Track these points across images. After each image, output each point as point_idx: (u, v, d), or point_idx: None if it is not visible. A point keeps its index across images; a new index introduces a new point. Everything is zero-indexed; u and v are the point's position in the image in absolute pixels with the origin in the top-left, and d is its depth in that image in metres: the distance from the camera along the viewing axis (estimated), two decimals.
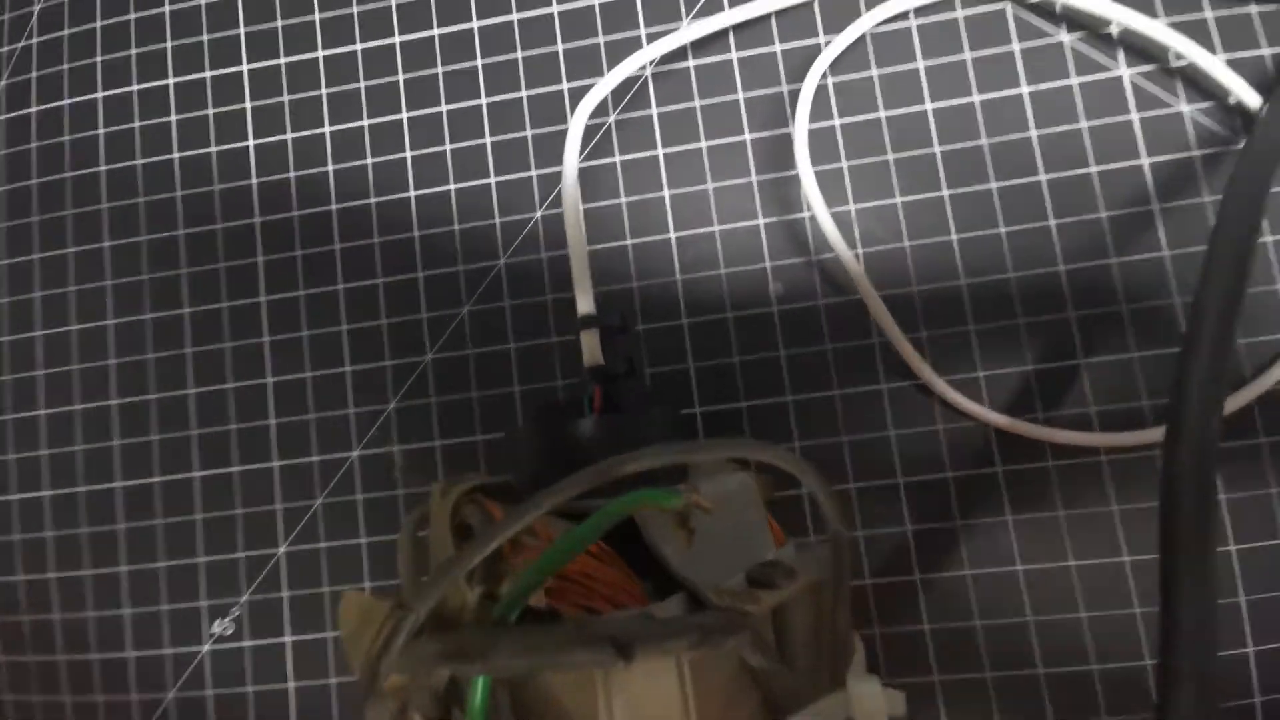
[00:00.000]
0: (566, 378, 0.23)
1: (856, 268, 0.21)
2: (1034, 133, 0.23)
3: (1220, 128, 0.22)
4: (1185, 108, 0.22)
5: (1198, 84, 0.22)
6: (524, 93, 0.25)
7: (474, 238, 0.25)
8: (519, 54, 0.25)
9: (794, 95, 0.24)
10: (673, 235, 0.24)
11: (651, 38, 0.25)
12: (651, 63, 0.24)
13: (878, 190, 0.23)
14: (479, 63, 0.26)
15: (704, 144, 0.24)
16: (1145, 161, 0.22)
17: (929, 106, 0.23)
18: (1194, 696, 0.13)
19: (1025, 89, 0.23)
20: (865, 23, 0.23)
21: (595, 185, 0.24)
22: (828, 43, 0.24)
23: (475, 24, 0.26)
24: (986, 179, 0.23)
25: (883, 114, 0.23)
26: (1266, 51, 0.22)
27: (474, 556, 0.12)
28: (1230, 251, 0.18)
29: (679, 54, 0.25)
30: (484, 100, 0.25)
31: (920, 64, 0.23)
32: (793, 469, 0.14)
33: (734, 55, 0.24)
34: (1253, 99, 0.21)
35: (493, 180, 0.25)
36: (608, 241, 0.24)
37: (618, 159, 0.25)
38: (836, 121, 0.24)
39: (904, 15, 0.24)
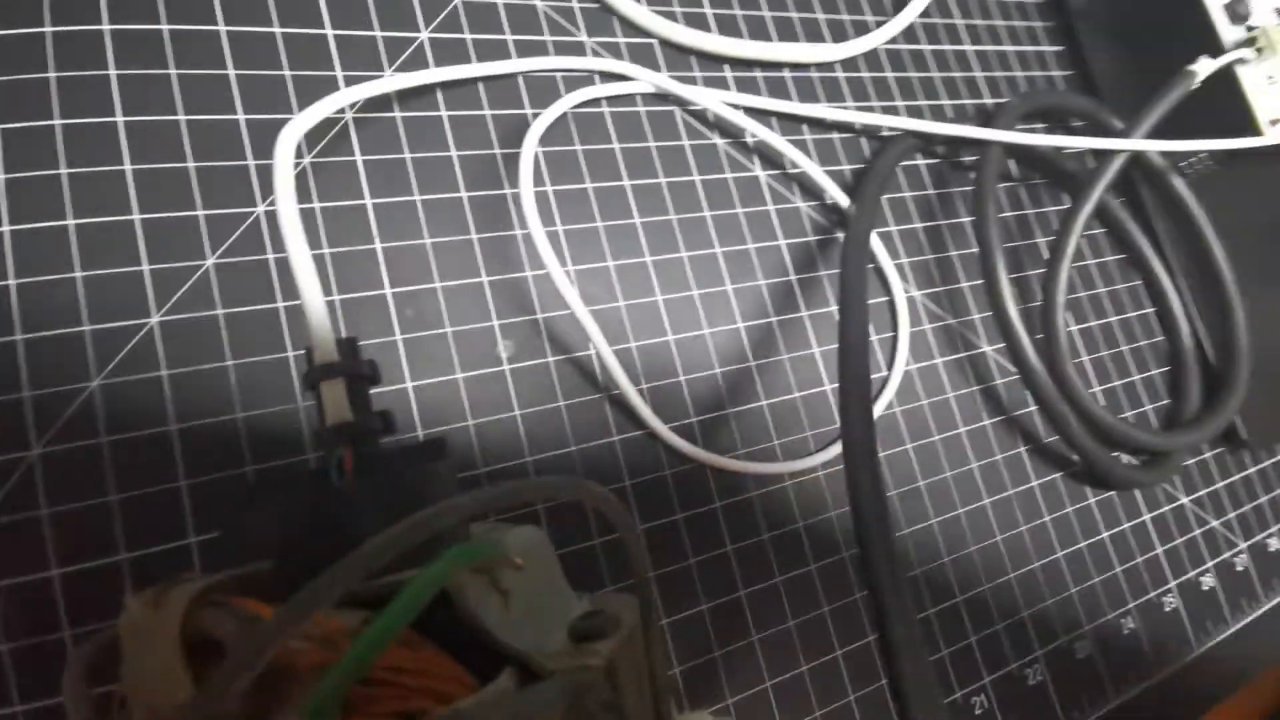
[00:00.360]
0: (280, 457, 0.18)
1: (593, 324, 0.22)
2: (707, 213, 0.27)
3: (823, 219, 0.29)
4: (801, 204, 0.29)
5: (806, 186, 0.29)
6: (182, 116, 0.20)
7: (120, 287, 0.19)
8: (172, 70, 0.21)
9: (506, 159, 0.24)
10: (389, 291, 0.22)
11: (350, 80, 0.23)
12: (353, 106, 0.22)
13: (590, 253, 0.25)
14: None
15: (418, 197, 0.23)
16: (782, 243, 0.28)
17: (626, 183, 0.26)
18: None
19: (696, 177, 0.27)
20: (566, 102, 0.25)
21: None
22: (535, 115, 0.25)
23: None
24: (678, 249, 0.26)
25: (589, 185, 0.25)
26: (846, 167, 0.30)
27: (237, 677, 0.09)
28: (855, 305, 0.23)
29: (383, 103, 0.23)
30: (120, 119, 0.20)
31: (615, 145, 0.26)
32: (605, 508, 0.14)
33: (444, 113, 0.24)
34: (843, 199, 0.29)
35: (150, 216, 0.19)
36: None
37: (316, 204, 0.21)
38: (550, 188, 0.25)
39: (597, 101, 0.26)
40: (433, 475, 0.14)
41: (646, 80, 0.26)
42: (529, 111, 0.25)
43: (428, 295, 0.22)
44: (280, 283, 0.20)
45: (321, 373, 0.14)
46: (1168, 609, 0.31)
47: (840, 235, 0.29)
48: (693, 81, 0.28)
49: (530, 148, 0.23)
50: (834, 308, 0.28)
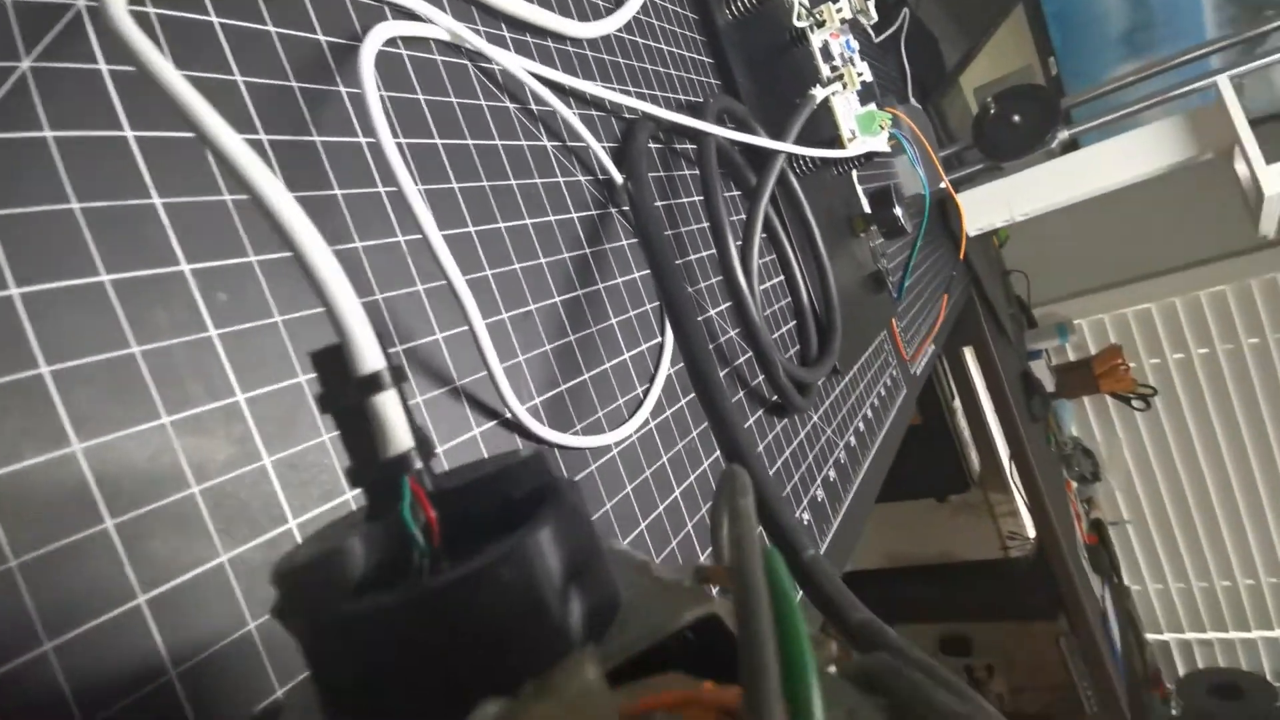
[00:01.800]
0: None
1: (471, 300, 0.19)
2: (512, 182, 0.25)
3: (599, 194, 0.30)
4: (581, 177, 0.29)
5: (583, 160, 0.30)
6: None
7: None
8: None
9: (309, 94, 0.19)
10: (186, 267, 0.15)
11: None
12: None
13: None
14: None
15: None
16: (575, 216, 0.28)
17: (438, 141, 0.23)
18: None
19: (498, 141, 0.25)
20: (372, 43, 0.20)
21: None
22: (329, 42, 0.20)
23: None
24: (495, 219, 0.24)
25: (404, 140, 0.21)
26: (604, 144, 0.31)
27: None
28: (665, 264, 0.26)
29: None
30: None
31: (420, 96, 0.22)
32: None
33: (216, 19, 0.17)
34: (616, 174, 0.30)
35: None
36: None
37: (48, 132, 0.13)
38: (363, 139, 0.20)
39: (393, 41, 0.22)
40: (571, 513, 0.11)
41: (441, 24, 0.23)
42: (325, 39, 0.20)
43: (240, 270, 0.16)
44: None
45: (374, 383, 0.10)
46: (819, 499, 0.42)
47: (614, 210, 0.30)
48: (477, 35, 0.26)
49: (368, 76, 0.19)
50: (619, 279, 0.29)
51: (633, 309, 0.30)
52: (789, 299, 0.46)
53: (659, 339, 0.31)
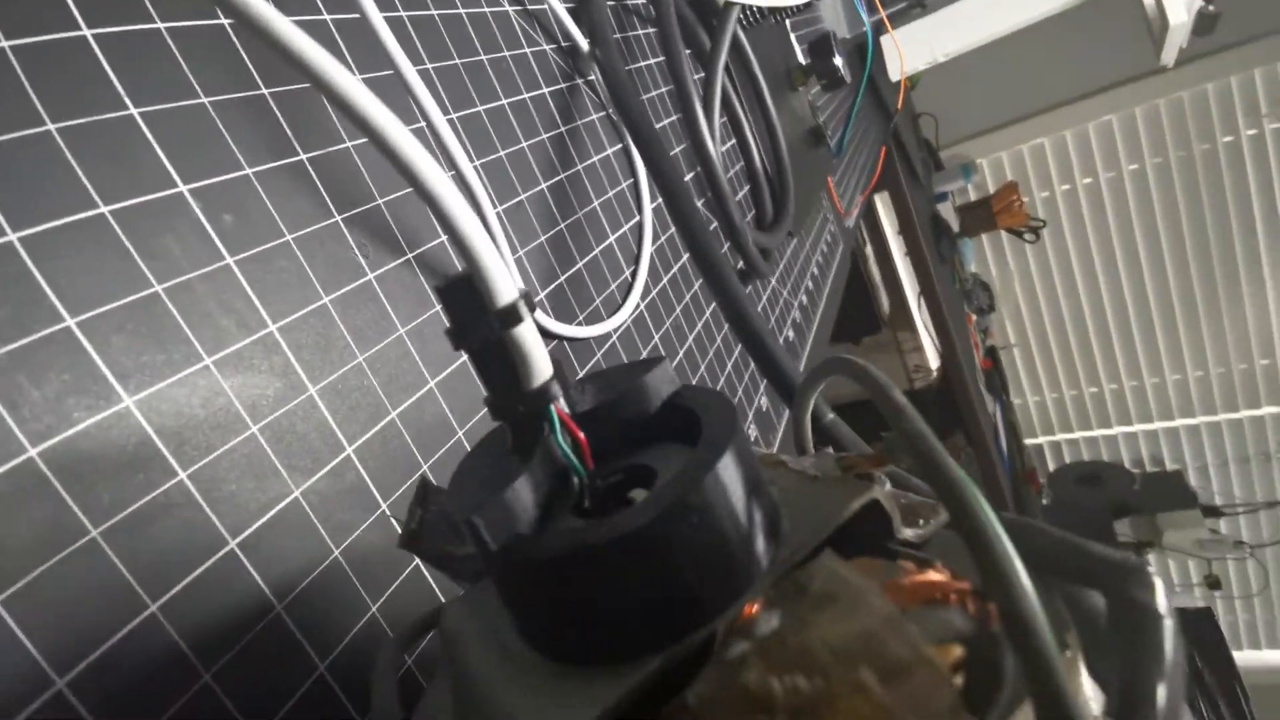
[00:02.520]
0: None
1: (479, 182, 0.18)
2: (482, 57, 0.23)
3: (565, 64, 0.28)
4: (546, 46, 0.27)
5: (545, 26, 0.27)
6: None
7: None
8: None
9: None
10: (184, 187, 0.13)
11: None
12: None
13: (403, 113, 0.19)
14: None
15: (161, 25, 0.14)
16: (546, 91, 0.26)
17: (403, 13, 0.20)
18: None
19: (462, 10, 0.23)
20: None
21: None
22: None
23: None
24: (473, 102, 0.22)
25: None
26: (561, 5, 0.29)
27: None
28: (647, 133, 0.25)
29: None
30: None
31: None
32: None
33: None
34: (581, 41, 0.28)
35: None
36: None
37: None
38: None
39: None
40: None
41: None
42: None
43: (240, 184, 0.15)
44: None
45: (512, 315, 0.09)
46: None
47: (581, 81, 0.28)
48: None
49: None
50: (595, 158, 0.28)
51: (610, 189, 0.29)
52: (741, 163, 0.45)
53: (637, 217, 0.31)
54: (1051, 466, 2.16)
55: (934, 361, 1.60)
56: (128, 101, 0.13)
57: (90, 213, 0.12)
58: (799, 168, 0.52)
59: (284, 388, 0.15)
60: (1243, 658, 1.95)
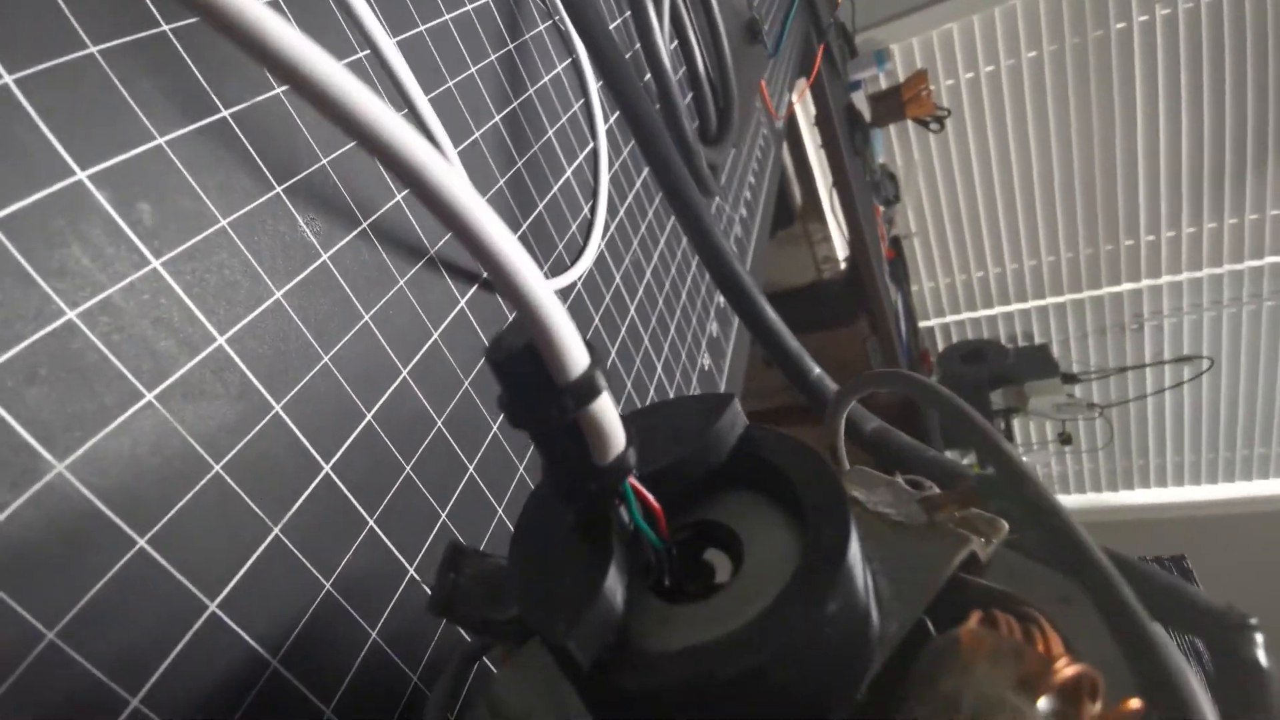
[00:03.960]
0: None
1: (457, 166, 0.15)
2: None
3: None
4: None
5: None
6: None
7: None
8: None
9: None
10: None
11: None
12: None
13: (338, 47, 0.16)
14: None
15: None
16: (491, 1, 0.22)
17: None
18: None
19: None
20: None
21: None
22: None
23: None
24: (415, 22, 0.18)
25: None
26: None
27: None
28: (638, 111, 0.22)
29: None
30: None
31: None
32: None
33: None
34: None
35: None
36: None
37: None
38: None
39: None
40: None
41: None
42: None
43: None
44: None
45: (590, 387, 0.08)
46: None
47: None
48: None
49: None
50: (546, 78, 0.25)
51: (563, 112, 0.26)
52: (685, 68, 0.42)
53: (591, 144, 0.28)
54: (940, 346, 2.33)
55: (842, 252, 1.64)
56: (2, 71, 0.10)
57: None
58: (738, 71, 0.48)
59: (245, 411, 0.12)
60: (1088, 500, 2.26)
